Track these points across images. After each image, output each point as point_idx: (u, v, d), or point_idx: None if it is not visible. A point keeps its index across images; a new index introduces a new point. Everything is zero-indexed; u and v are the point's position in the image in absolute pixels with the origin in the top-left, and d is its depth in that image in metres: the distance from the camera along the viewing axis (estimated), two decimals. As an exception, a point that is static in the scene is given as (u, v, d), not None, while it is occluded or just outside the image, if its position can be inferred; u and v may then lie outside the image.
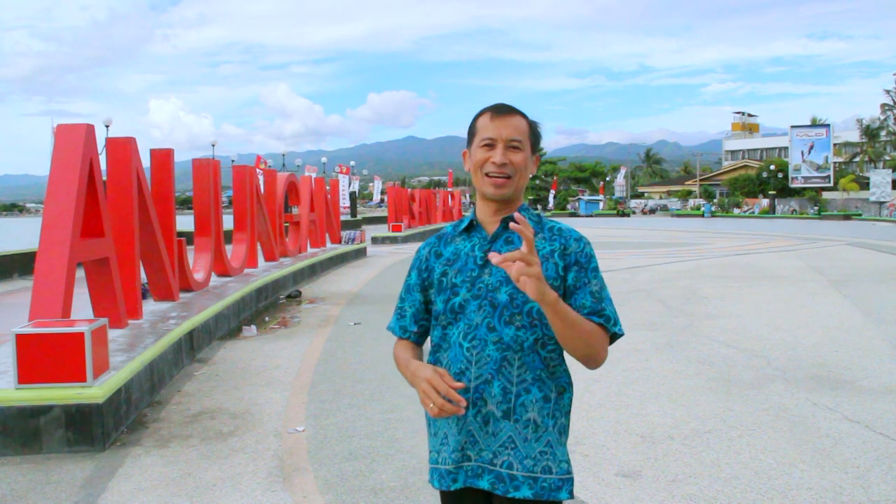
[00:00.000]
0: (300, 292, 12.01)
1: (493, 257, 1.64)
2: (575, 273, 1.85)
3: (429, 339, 2.02)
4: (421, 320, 2.01)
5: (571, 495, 1.86)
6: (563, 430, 1.89)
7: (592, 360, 1.82)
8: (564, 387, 1.89)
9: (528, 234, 1.61)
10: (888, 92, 65.29)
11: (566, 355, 1.87)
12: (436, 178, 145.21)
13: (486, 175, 1.87)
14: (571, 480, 1.87)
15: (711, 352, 7.05)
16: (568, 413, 1.90)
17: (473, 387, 1.84)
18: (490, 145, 1.87)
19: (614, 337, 1.85)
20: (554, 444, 1.85)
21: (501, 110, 1.90)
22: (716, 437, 4.61)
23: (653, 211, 68.43)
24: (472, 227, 1.94)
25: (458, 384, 1.74)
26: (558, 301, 1.69)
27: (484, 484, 1.84)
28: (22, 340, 4.60)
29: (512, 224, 1.63)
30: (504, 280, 1.83)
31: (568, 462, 1.87)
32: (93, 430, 4.57)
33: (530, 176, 1.93)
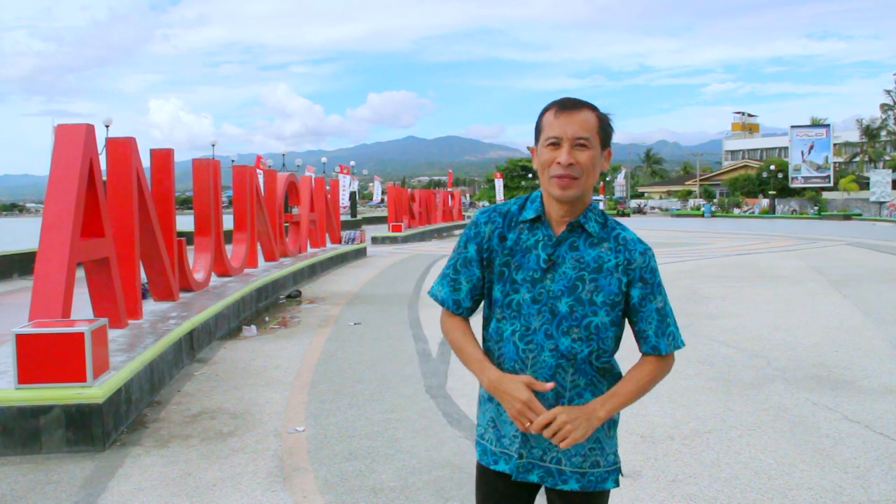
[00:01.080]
0: (300, 292, 12.01)
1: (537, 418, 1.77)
2: (640, 290, 1.83)
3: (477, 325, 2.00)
4: (477, 295, 1.96)
5: (617, 483, 1.90)
6: (613, 424, 1.92)
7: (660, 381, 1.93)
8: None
9: (548, 418, 1.77)
10: (888, 92, 65.28)
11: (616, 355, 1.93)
12: (436, 178, 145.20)
13: (553, 177, 1.79)
14: (618, 470, 1.90)
15: (711, 352, 7.05)
16: None
17: None
18: (556, 144, 1.78)
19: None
20: (602, 439, 1.88)
21: (567, 105, 1.80)
22: (716, 437, 4.61)
23: (644, 211, 69.28)
24: (539, 220, 1.87)
25: (549, 385, 1.79)
26: (610, 411, 1.81)
27: (533, 477, 1.87)
28: (22, 340, 4.60)
29: (535, 428, 1.76)
30: (566, 290, 1.81)
31: (615, 454, 1.91)
32: (93, 430, 4.57)
33: (601, 173, 1.86)
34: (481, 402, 1.97)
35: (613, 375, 1.89)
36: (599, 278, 1.81)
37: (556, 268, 1.82)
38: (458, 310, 1.95)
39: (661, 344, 1.84)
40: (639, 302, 1.83)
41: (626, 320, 1.90)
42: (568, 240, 1.84)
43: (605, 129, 1.83)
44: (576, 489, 1.84)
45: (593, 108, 1.81)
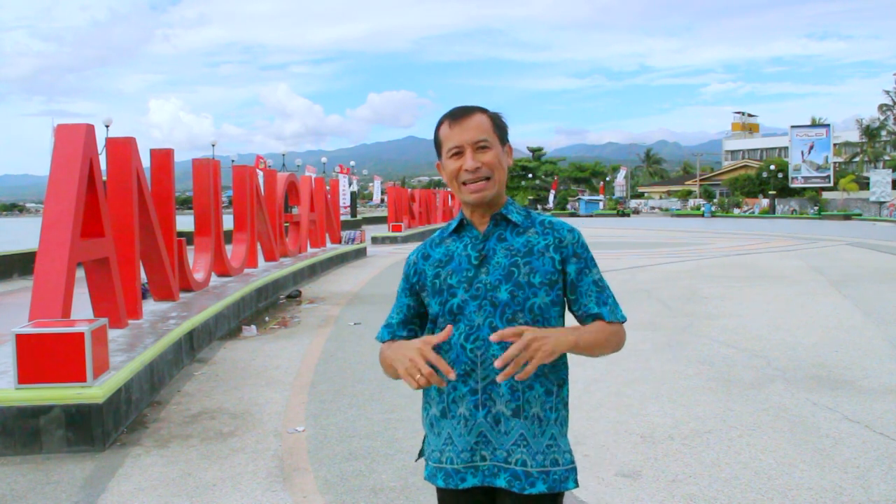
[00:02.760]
0: (300, 292, 12.01)
1: (496, 337, 1.70)
2: (575, 265, 1.88)
3: None
4: (410, 325, 1.99)
5: (577, 484, 1.89)
6: (564, 422, 1.92)
7: (617, 351, 1.92)
8: (564, 379, 1.92)
9: (514, 334, 1.68)
10: (888, 92, 65.28)
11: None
12: (436, 178, 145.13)
13: (464, 184, 1.86)
14: (575, 470, 1.90)
15: (711, 352, 7.05)
16: (567, 405, 1.93)
17: (481, 388, 1.84)
18: (459, 153, 1.86)
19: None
20: (557, 437, 1.88)
21: (458, 115, 1.87)
22: (716, 437, 4.61)
23: (640, 211, 69.86)
24: (462, 227, 1.94)
25: (446, 332, 1.75)
26: (576, 340, 1.77)
27: (501, 482, 1.84)
28: (22, 340, 4.60)
29: (495, 336, 1.69)
30: (503, 278, 1.84)
31: (570, 452, 1.91)
32: (93, 430, 4.57)
33: (507, 168, 1.92)
34: (433, 425, 1.95)
35: (562, 366, 1.91)
36: (532, 260, 1.86)
37: (489, 260, 1.87)
38: (393, 338, 1.99)
39: (604, 311, 1.87)
40: (576, 277, 1.88)
41: (567, 303, 1.93)
42: (495, 233, 1.90)
43: (499, 126, 1.90)
44: (543, 490, 1.83)
45: (483, 110, 1.90)
